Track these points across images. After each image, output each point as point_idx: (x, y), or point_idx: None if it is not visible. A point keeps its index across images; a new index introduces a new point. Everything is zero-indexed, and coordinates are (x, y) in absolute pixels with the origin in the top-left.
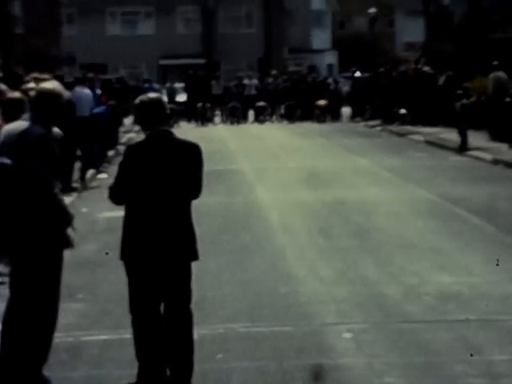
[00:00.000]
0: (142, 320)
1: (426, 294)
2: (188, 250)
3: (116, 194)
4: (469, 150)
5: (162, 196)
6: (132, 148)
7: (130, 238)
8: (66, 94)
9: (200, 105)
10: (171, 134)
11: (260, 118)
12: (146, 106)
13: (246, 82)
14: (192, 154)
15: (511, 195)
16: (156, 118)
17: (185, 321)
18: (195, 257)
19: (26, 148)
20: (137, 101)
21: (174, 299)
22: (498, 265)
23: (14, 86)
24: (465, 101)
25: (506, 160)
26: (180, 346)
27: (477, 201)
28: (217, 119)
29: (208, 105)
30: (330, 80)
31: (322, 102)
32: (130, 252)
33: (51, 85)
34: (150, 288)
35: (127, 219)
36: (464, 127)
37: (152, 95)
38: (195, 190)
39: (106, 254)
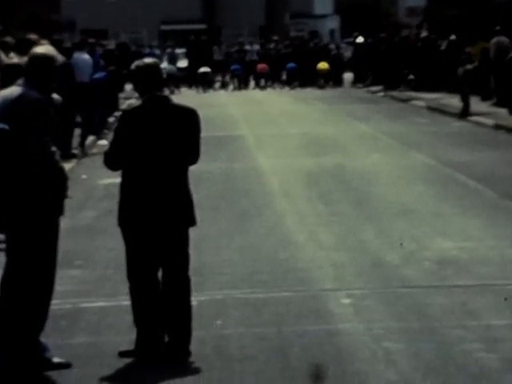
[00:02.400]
0: (140, 286)
1: (425, 260)
2: (185, 215)
3: (111, 160)
4: (471, 115)
5: (159, 161)
6: (128, 113)
7: (127, 203)
8: (60, 58)
9: (201, 70)
10: (168, 99)
11: (261, 84)
12: (141, 71)
13: (247, 47)
14: (189, 119)
15: (511, 160)
16: (152, 83)
17: (183, 287)
18: (192, 222)
19: (22, 113)
20: (133, 66)
21: (171, 265)
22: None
23: (24, 52)
24: (468, 66)
25: (508, 125)
26: (178, 312)
27: (477, 166)
28: (218, 85)
29: (209, 70)
30: (331, 45)
31: (323, 66)
32: (127, 218)
33: (44, 49)
34: (147, 254)
35: (124, 185)
36: (467, 93)
37: (148, 60)
38: (193, 156)
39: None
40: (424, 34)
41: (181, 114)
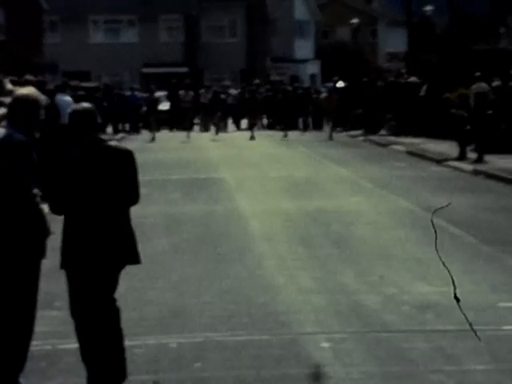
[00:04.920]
0: (85, 324)
1: (404, 304)
2: (128, 253)
3: (55, 205)
4: (466, 159)
5: (97, 203)
6: (65, 158)
7: (69, 246)
8: (43, 98)
9: (161, 108)
10: (103, 141)
11: (241, 127)
12: (79, 115)
13: (231, 91)
14: (125, 159)
15: (490, 206)
16: (88, 127)
17: (112, 309)
18: (136, 260)
19: (5, 155)
20: (69, 110)
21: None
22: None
23: None
24: (462, 111)
25: (487, 171)
26: (108, 336)
27: (456, 211)
28: (196, 128)
29: (167, 108)
30: (311, 90)
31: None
32: (69, 260)
33: (27, 90)
34: (91, 293)
35: (66, 227)
36: (462, 137)
37: (85, 104)
38: (132, 196)
39: None
40: (412, 78)
41: (116, 154)
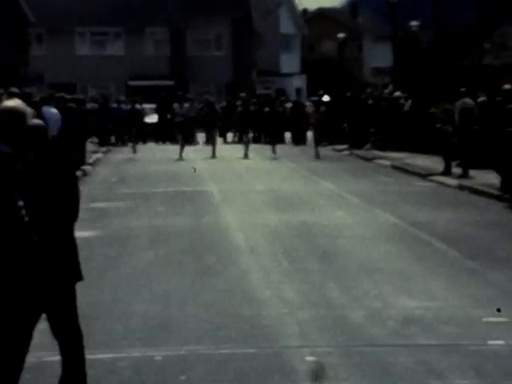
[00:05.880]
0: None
1: (389, 318)
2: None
3: None
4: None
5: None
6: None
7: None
8: (29, 111)
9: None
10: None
11: (228, 141)
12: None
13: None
14: (66, 175)
15: (475, 221)
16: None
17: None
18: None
19: None
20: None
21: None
22: (499, 310)
23: None
24: (447, 126)
25: (471, 186)
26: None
27: (441, 226)
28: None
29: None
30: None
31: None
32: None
33: (13, 103)
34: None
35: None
36: (448, 152)
37: (37, 121)
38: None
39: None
40: (397, 93)
41: (58, 170)
